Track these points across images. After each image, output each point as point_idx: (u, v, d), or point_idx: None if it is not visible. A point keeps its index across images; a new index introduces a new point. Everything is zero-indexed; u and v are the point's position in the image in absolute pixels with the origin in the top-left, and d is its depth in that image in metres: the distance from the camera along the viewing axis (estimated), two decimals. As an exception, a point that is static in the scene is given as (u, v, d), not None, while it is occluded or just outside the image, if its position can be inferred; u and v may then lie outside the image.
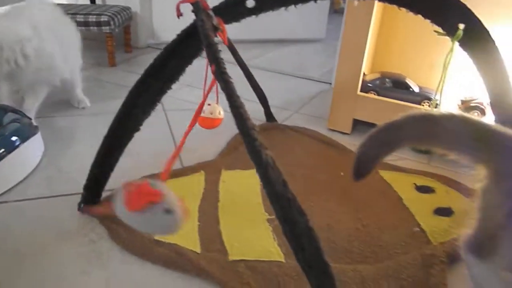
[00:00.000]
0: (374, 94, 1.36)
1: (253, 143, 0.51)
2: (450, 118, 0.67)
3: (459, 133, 0.66)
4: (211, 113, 0.98)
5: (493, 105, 0.95)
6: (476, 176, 0.70)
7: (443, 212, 0.97)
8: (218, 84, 0.59)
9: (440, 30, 0.83)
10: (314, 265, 0.48)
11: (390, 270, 0.78)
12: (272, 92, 1.68)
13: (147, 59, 1.25)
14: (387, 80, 1.38)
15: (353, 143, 1.32)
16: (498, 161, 0.64)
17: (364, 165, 0.72)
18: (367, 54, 1.39)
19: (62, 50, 1.28)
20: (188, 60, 0.74)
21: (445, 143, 0.67)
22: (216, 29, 0.67)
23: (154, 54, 0.79)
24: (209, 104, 0.99)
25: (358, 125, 1.40)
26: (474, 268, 0.74)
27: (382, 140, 0.71)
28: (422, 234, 0.90)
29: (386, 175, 1.13)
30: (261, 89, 1.35)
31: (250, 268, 0.77)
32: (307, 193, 1.02)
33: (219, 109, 0.94)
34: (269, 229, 0.88)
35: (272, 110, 1.47)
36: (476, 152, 0.66)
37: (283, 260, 0.79)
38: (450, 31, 0.81)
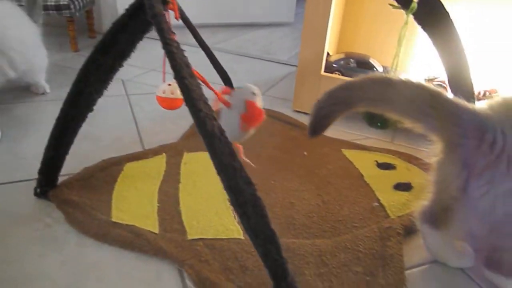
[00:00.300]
0: (339, 75, 1.37)
1: (198, 114, 0.51)
2: (407, 83, 0.67)
3: (414, 99, 0.66)
4: (172, 93, 0.96)
5: (450, 80, 0.97)
6: (433, 151, 0.71)
7: (403, 187, 0.99)
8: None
9: (395, 3, 0.84)
10: (260, 233, 0.48)
11: (347, 243, 0.79)
12: (238, 75, 1.68)
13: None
14: (351, 60, 1.38)
15: (318, 124, 1.32)
16: (451, 131, 0.65)
17: (320, 122, 0.72)
18: (332, 35, 1.39)
19: (19, 48, 1.26)
20: (138, 35, 0.72)
21: (400, 108, 0.67)
22: (164, 1, 0.65)
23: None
24: (169, 84, 0.96)
25: (324, 106, 1.41)
26: (429, 238, 0.77)
27: (339, 98, 0.71)
28: (381, 209, 0.91)
29: (348, 153, 1.14)
30: (224, 71, 1.33)
31: (208, 246, 0.76)
32: (271, 172, 1.02)
33: (181, 89, 0.92)
34: (230, 208, 0.88)
35: (238, 93, 1.46)
36: (431, 119, 0.66)
37: (242, 237, 0.79)
38: (405, 4, 0.82)
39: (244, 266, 0.72)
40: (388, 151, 1.16)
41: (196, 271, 0.70)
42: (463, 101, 0.65)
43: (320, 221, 0.86)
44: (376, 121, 0.91)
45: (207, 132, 0.49)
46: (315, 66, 1.31)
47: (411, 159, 1.13)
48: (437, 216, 0.73)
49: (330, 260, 0.75)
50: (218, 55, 0.88)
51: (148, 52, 1.66)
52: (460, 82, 0.99)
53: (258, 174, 1.00)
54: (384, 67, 1.39)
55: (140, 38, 0.73)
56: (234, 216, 0.85)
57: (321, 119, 0.74)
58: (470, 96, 0.99)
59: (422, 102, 0.65)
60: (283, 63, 1.96)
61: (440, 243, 0.76)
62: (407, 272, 0.75)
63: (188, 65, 0.55)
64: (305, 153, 1.12)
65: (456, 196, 0.66)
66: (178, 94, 0.90)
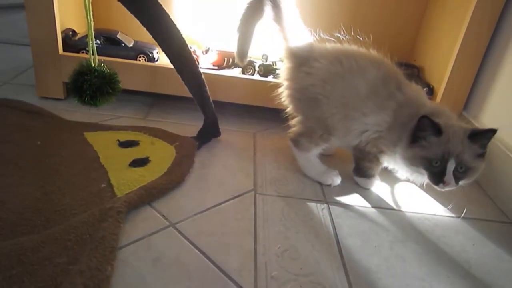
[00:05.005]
0: (86, 53, 1.27)
1: None
2: None
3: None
4: None
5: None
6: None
7: (138, 162, 0.97)
8: None
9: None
10: None
11: (58, 234, 0.72)
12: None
13: None
14: (100, 37, 1.30)
15: (66, 109, 1.22)
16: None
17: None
18: (71, 12, 1.29)
19: None
20: None
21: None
22: None
23: None
24: None
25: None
26: (299, 157, 1.04)
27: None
28: (109, 189, 0.87)
29: (90, 136, 1.07)
30: None
31: None
32: (-12, 171, 0.89)
33: None
34: None
35: (-25, 84, 1.26)
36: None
37: None
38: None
39: None
40: (135, 128, 1.13)
41: None
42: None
43: (33, 216, 0.77)
44: (85, 99, 0.86)
45: None
46: (50, 46, 1.18)
47: (158, 132, 1.12)
48: (299, 142, 1.02)
49: (30, 257, 0.67)
50: None
51: None
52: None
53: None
54: (136, 42, 1.35)
55: None
56: None
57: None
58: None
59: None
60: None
61: (305, 161, 1.04)
62: (123, 249, 0.73)
63: None
64: (39, 142, 1.01)
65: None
66: None
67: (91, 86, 0.85)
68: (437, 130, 0.84)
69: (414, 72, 1.41)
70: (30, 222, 0.76)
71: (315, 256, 0.78)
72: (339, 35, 1.03)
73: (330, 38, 1.02)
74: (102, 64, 0.90)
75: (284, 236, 0.83)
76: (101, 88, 0.86)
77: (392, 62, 0.97)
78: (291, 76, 1.00)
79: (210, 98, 1.07)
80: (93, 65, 0.87)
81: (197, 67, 0.99)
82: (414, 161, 0.88)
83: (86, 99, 0.86)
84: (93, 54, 0.89)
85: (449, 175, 0.83)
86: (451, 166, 0.83)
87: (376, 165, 1.00)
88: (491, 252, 0.87)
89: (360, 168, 1.02)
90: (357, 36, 1.01)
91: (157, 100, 1.36)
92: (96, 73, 0.87)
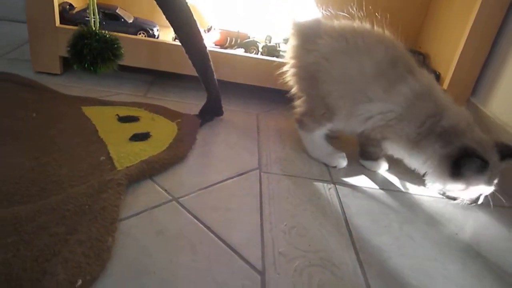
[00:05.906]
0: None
1: None
2: None
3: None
4: None
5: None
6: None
7: (139, 137, 0.93)
8: None
9: None
10: None
11: (55, 204, 0.68)
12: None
13: None
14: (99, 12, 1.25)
15: (63, 84, 1.17)
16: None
17: None
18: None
19: None
20: None
21: None
22: None
23: None
24: None
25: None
26: (304, 138, 1.01)
27: None
28: (108, 162, 0.83)
29: (88, 110, 1.03)
30: None
31: None
32: (-19, 141, 0.84)
33: None
34: None
35: (-33, 57, 1.21)
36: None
37: None
38: None
39: None
40: (135, 104, 1.09)
41: None
42: None
43: (29, 185, 0.73)
44: (85, 64, 0.82)
45: None
46: (47, 19, 1.14)
47: (158, 109, 1.09)
48: (303, 123, 0.99)
49: (25, 226, 0.63)
50: None
51: None
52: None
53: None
54: (136, 18, 1.31)
55: None
56: None
57: None
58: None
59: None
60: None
61: (310, 141, 1.00)
62: (123, 221, 0.70)
63: None
64: (34, 114, 0.97)
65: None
66: None
67: (91, 51, 0.81)
68: (484, 166, 0.85)
69: (420, 59, 1.38)
70: (26, 192, 0.72)
71: (323, 233, 0.75)
72: (347, 13, 0.99)
73: (342, 14, 0.98)
74: (103, 30, 0.86)
75: (291, 214, 0.79)
76: (102, 53, 0.82)
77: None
78: (296, 54, 0.97)
79: (214, 73, 1.03)
80: (94, 29, 0.83)
81: (202, 40, 0.96)
82: (454, 192, 0.93)
83: (86, 64, 0.82)
84: (94, 22, 0.85)
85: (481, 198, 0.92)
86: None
87: (380, 149, 0.97)
88: (502, 235, 0.85)
89: (365, 151, 0.99)
90: (376, 14, 0.96)
91: (158, 79, 1.32)
92: (97, 37, 0.82)
